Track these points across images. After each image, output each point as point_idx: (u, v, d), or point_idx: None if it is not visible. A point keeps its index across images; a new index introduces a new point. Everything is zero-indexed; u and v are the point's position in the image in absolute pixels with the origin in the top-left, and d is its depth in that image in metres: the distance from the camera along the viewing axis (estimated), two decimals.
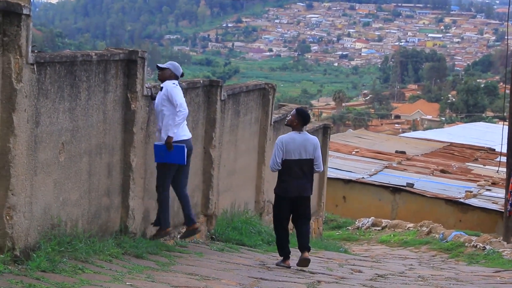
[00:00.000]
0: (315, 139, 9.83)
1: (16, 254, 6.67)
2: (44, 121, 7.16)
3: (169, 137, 9.08)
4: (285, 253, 9.90)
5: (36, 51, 7.24)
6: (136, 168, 8.97)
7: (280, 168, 9.58)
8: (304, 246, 9.74)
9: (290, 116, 9.79)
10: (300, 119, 9.71)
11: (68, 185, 7.70)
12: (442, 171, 27.47)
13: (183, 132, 9.29)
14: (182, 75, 9.56)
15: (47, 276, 6.55)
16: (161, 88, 9.31)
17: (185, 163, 9.32)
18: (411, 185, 23.41)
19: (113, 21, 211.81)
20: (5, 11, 6.48)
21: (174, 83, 9.30)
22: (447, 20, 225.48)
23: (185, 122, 9.34)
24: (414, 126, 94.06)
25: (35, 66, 6.85)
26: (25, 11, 6.60)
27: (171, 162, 9.23)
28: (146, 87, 9.23)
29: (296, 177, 9.55)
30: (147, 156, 9.38)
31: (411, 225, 19.16)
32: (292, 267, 9.82)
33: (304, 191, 9.66)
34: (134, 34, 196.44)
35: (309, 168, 9.65)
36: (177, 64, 9.63)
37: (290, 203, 9.67)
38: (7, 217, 6.60)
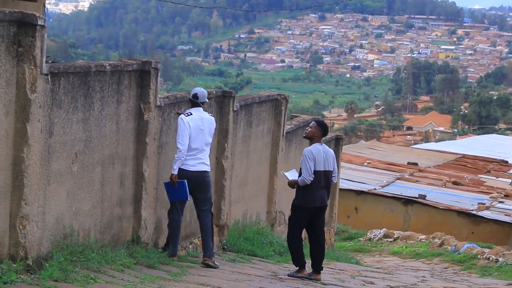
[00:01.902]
0: (332, 151, 9.96)
1: (29, 263, 6.69)
2: (57, 131, 7.20)
3: (170, 175, 9.18)
4: (302, 263, 9.90)
5: (50, 61, 7.30)
6: (149, 178, 8.99)
7: (312, 180, 9.58)
8: (319, 267, 9.82)
9: (310, 128, 9.79)
10: (321, 130, 9.74)
11: (80, 195, 7.73)
12: (455, 183, 27.35)
13: (192, 162, 9.25)
14: (196, 96, 9.43)
15: (60, 285, 6.57)
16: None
17: (188, 198, 9.28)
18: (423, 196, 23.32)
19: (126, 31, 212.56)
20: (20, 21, 6.53)
21: (186, 113, 9.32)
22: (460, 32, 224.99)
23: (205, 151, 9.33)
24: (426, 138, 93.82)
25: (49, 77, 6.89)
26: (40, 22, 6.64)
27: (176, 199, 9.26)
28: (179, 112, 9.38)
29: (319, 188, 9.64)
30: (160, 167, 9.40)
31: (423, 236, 19.07)
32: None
33: (325, 201, 9.80)
34: (147, 45, 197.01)
35: (328, 179, 9.77)
36: (199, 89, 9.60)
37: (310, 214, 9.67)
38: (20, 227, 6.63)
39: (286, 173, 10.13)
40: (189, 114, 9.31)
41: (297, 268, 9.92)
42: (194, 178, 9.27)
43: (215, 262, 9.53)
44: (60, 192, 7.34)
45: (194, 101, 9.45)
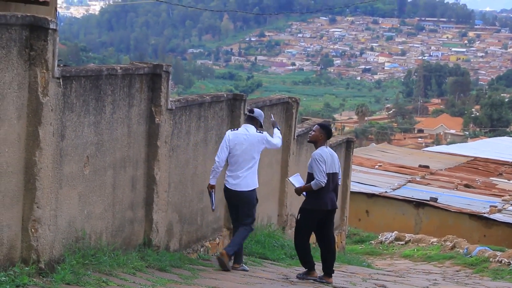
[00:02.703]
0: (336, 154, 9.93)
1: (41, 266, 6.71)
2: (69, 135, 7.22)
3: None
4: (311, 265, 9.88)
5: (61, 65, 7.32)
6: (160, 181, 9.00)
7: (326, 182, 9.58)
8: (330, 270, 9.81)
9: (314, 132, 9.76)
10: (325, 134, 9.72)
11: (92, 198, 7.75)
12: (466, 186, 27.28)
13: (231, 180, 9.70)
14: (251, 111, 9.95)
15: None
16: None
17: (212, 208, 9.83)
18: (434, 199, 23.26)
19: (137, 35, 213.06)
20: (32, 25, 6.55)
21: (233, 129, 10.02)
22: (471, 34, 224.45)
23: (246, 169, 9.65)
24: (437, 141, 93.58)
25: (61, 80, 6.91)
26: (52, 26, 6.66)
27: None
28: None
29: (328, 191, 9.62)
30: (171, 170, 9.41)
31: (435, 239, 19.02)
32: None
33: (335, 203, 9.78)
34: (157, 48, 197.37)
35: (336, 182, 9.77)
36: (262, 112, 10.08)
37: (320, 218, 9.68)
38: (33, 230, 6.65)
39: (291, 179, 10.08)
40: (235, 129, 9.88)
41: (306, 269, 9.91)
42: (233, 196, 9.74)
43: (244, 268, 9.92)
44: (72, 195, 7.36)
45: (249, 116, 9.96)
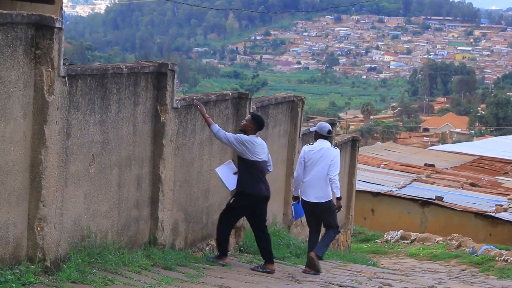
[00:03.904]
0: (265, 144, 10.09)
1: (47, 265, 6.72)
2: (75, 133, 7.23)
3: None
4: (226, 251, 9.91)
5: (67, 63, 7.32)
6: (165, 180, 9.01)
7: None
8: (271, 256, 10.05)
9: (245, 121, 9.90)
10: (254, 124, 9.81)
11: (98, 196, 7.76)
12: (472, 185, 27.23)
13: (308, 192, 10.53)
14: (329, 132, 10.70)
15: (77, 287, 6.60)
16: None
17: (294, 219, 11.47)
18: (440, 198, 23.24)
19: (142, 34, 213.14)
20: (38, 24, 6.56)
21: (308, 144, 10.82)
22: (476, 33, 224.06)
23: (322, 182, 10.40)
24: (443, 139, 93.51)
25: (66, 79, 6.92)
26: (57, 25, 6.67)
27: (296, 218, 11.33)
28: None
29: (260, 178, 9.78)
30: (176, 168, 9.42)
31: (441, 238, 19.00)
32: (320, 280, 9.79)
33: (269, 191, 9.97)
34: (163, 47, 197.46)
35: (263, 168, 9.89)
36: (323, 124, 10.76)
37: (256, 204, 9.83)
38: (38, 228, 6.67)
39: (218, 170, 9.97)
40: (310, 144, 10.67)
41: (219, 253, 9.86)
42: (311, 207, 10.54)
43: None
44: (78, 194, 7.37)
45: (318, 133, 10.66)
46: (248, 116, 10.10)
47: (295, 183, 10.72)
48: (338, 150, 10.63)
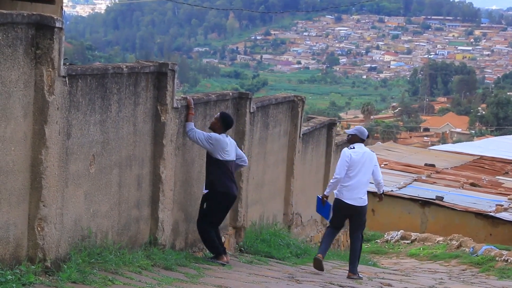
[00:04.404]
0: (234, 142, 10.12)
1: (47, 265, 6.72)
2: (75, 133, 7.23)
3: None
4: (220, 249, 9.91)
5: (67, 63, 7.32)
6: (166, 180, 9.01)
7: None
8: (224, 248, 10.04)
9: (214, 119, 9.94)
10: (221, 123, 9.81)
11: (98, 196, 7.75)
12: (472, 185, 27.21)
13: (347, 195, 10.71)
14: (368, 136, 11.00)
15: (78, 287, 6.60)
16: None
17: (327, 219, 11.35)
18: (440, 198, 23.21)
19: (143, 33, 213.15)
20: (38, 24, 6.56)
21: (350, 147, 10.83)
22: (477, 32, 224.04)
23: (362, 185, 10.74)
24: (443, 139, 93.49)
25: (67, 79, 6.92)
26: (57, 24, 6.67)
27: (321, 214, 11.59)
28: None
29: (230, 177, 9.76)
30: (177, 168, 9.42)
31: (441, 238, 18.99)
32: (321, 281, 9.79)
33: (237, 191, 10.04)
34: (163, 47, 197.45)
35: (231, 168, 9.85)
36: (362, 129, 11.08)
37: (231, 202, 9.91)
38: (39, 228, 6.66)
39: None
40: (352, 148, 10.79)
41: (215, 255, 9.87)
42: (347, 210, 10.72)
43: (359, 275, 10.84)
44: (78, 194, 7.37)
45: (358, 137, 10.88)
46: (217, 114, 10.07)
47: (333, 184, 10.84)
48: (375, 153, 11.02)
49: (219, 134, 9.73)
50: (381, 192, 11.18)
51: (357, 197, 10.69)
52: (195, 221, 10.10)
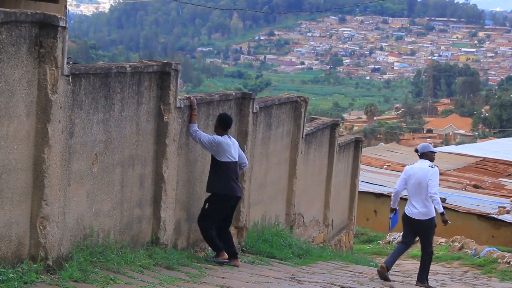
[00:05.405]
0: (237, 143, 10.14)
1: (49, 263, 6.72)
2: (78, 132, 7.24)
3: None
4: (220, 247, 9.88)
5: (71, 62, 7.33)
6: (168, 179, 9.01)
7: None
8: (235, 250, 10.05)
9: (215, 122, 10.00)
10: (218, 123, 9.84)
11: (100, 195, 7.76)
12: (475, 186, 27.21)
13: (408, 207, 11.23)
14: (431, 151, 11.32)
15: (79, 286, 6.60)
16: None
17: (390, 230, 12.06)
18: (443, 200, 23.16)
19: (147, 33, 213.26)
20: (42, 23, 6.56)
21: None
22: (480, 34, 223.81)
23: (418, 198, 11.04)
24: (446, 141, 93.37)
25: (70, 78, 6.93)
26: (61, 23, 6.67)
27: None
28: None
29: (232, 178, 9.77)
30: (179, 168, 9.42)
31: (443, 240, 18.99)
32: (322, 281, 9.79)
33: (241, 192, 10.11)
34: (167, 46, 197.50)
35: (235, 169, 9.88)
36: (424, 144, 11.50)
37: (231, 203, 9.87)
38: (41, 227, 6.67)
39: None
40: (412, 164, 11.36)
41: (216, 253, 9.88)
42: (410, 222, 11.15)
43: (429, 284, 11.25)
44: (80, 193, 7.37)
45: (419, 153, 11.29)
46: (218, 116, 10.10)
47: (394, 197, 11.50)
48: (436, 168, 11.12)
49: (221, 135, 9.74)
50: (440, 211, 11.00)
51: (416, 211, 11.05)
52: (197, 221, 10.10)
